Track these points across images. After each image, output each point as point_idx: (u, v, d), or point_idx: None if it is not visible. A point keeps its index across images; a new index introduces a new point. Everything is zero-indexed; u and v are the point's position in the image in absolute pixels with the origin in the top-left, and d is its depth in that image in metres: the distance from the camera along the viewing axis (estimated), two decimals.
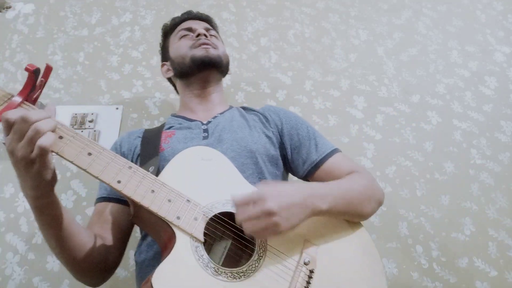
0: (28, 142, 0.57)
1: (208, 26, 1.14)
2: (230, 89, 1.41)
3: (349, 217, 0.79)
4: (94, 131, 1.28)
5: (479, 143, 1.35)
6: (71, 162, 0.63)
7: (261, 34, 1.55)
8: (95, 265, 0.77)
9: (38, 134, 0.57)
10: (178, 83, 1.13)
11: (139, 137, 0.97)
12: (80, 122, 1.29)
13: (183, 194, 0.70)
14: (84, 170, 0.64)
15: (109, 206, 0.87)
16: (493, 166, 1.31)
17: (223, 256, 0.72)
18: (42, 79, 0.67)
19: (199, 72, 1.04)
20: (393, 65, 1.50)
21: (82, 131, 1.27)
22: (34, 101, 0.68)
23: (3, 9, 1.56)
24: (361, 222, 0.81)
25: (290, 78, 1.46)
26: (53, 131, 0.60)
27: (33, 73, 0.65)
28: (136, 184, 0.67)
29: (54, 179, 0.64)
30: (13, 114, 0.58)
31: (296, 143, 0.95)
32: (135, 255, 0.87)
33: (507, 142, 1.36)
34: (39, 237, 1.13)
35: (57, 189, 1.21)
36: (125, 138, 0.98)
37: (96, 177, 0.65)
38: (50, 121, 0.59)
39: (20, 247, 1.11)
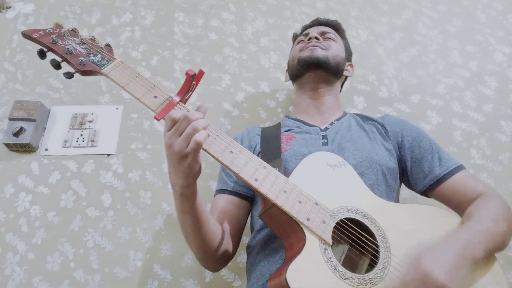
0: (186, 137, 0.66)
1: (327, 30, 1.16)
2: (230, 89, 1.41)
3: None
4: (94, 131, 1.28)
5: (479, 143, 1.35)
6: (216, 158, 0.71)
7: (261, 34, 1.55)
8: (218, 251, 0.84)
9: (195, 131, 0.65)
10: (294, 86, 1.18)
11: (258, 135, 1.01)
12: (80, 122, 1.29)
13: (312, 196, 0.73)
14: (227, 166, 0.71)
15: (230, 199, 0.94)
16: (493, 166, 1.31)
17: (341, 261, 0.73)
18: (194, 82, 0.74)
19: (306, 72, 1.07)
20: (393, 65, 1.50)
21: (82, 131, 1.28)
22: (185, 102, 0.75)
23: (3, 9, 1.56)
24: None
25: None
26: (205, 129, 0.68)
27: (191, 77, 0.71)
28: (271, 184, 0.72)
29: (199, 172, 0.72)
30: (177, 113, 0.68)
31: (418, 155, 0.94)
32: (248, 242, 0.93)
33: (507, 142, 1.36)
34: (39, 237, 1.13)
35: (57, 189, 1.22)
36: (245, 134, 1.04)
37: (237, 174, 0.71)
38: (204, 121, 0.68)
39: (20, 247, 1.11)
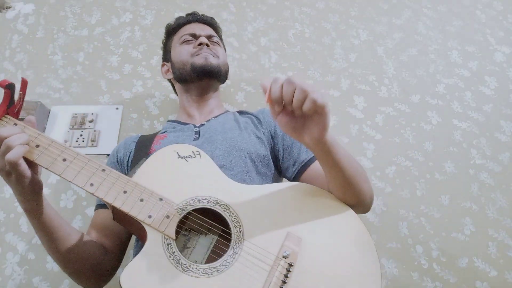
0: (1, 156, 0.63)
1: (211, 32, 1.15)
2: (230, 89, 1.41)
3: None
4: (94, 131, 1.28)
5: (479, 143, 1.35)
6: (47, 168, 0.67)
7: (261, 34, 1.55)
8: (89, 268, 0.79)
9: (8, 149, 0.62)
10: (177, 86, 1.15)
11: (134, 142, 1.00)
12: (80, 122, 1.29)
13: (156, 193, 0.71)
14: (59, 175, 0.67)
15: (105, 213, 0.90)
16: (493, 166, 1.31)
17: (208, 252, 0.72)
18: (20, 92, 0.70)
19: (199, 80, 1.06)
20: (393, 65, 1.50)
21: (82, 131, 1.27)
22: (16, 114, 0.71)
23: (3, 9, 1.56)
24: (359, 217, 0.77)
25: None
26: (28, 143, 0.65)
27: (6, 88, 0.67)
28: (109, 186, 0.69)
29: (35, 186, 0.67)
30: None
31: (288, 143, 0.95)
32: None
33: (507, 142, 1.36)
34: None
35: (57, 189, 1.21)
36: (122, 144, 1.02)
37: (70, 182, 0.67)
38: (21, 136, 0.64)
39: (20, 247, 1.11)
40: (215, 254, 0.71)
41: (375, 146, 1.33)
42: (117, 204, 0.68)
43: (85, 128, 1.28)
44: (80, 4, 1.57)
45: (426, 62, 1.52)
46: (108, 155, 1.25)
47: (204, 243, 0.73)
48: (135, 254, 0.87)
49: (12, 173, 0.63)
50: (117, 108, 1.34)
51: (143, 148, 0.95)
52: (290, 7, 1.63)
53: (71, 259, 0.76)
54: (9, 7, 1.56)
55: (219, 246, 0.72)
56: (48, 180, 1.21)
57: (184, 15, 1.21)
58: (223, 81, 1.13)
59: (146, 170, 0.75)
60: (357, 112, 1.39)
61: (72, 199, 1.18)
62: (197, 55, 1.06)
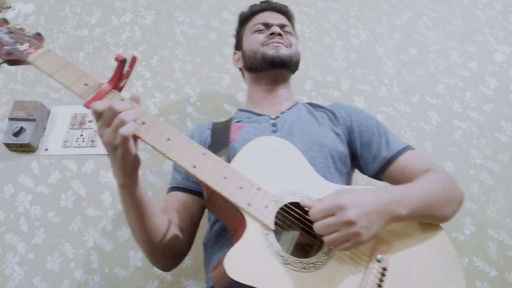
0: (113, 130, 0.64)
1: (284, 21, 1.14)
2: (231, 89, 1.41)
3: (429, 221, 0.78)
4: (94, 131, 1.28)
5: (479, 143, 1.35)
6: (152, 146, 0.68)
7: None
8: (167, 249, 0.81)
9: (122, 123, 0.64)
10: (247, 75, 1.14)
11: (209, 129, 1.00)
12: (80, 122, 1.29)
13: (254, 181, 0.71)
14: (163, 154, 0.69)
15: (180, 195, 0.92)
16: (493, 166, 1.31)
17: (291, 246, 0.72)
18: (128, 69, 0.72)
19: (269, 70, 1.05)
20: (393, 65, 1.50)
21: (82, 131, 1.28)
22: (120, 89, 0.73)
23: (3, 9, 1.56)
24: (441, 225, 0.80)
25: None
26: (135, 120, 0.66)
27: (121, 62, 0.70)
28: (210, 170, 0.69)
29: (136, 162, 0.71)
30: (101, 105, 0.65)
31: (366, 139, 0.94)
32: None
33: (507, 142, 1.36)
34: (39, 237, 1.13)
35: (57, 189, 1.21)
36: (196, 130, 1.03)
37: (174, 161, 0.69)
38: (133, 112, 0.66)
39: (20, 247, 1.11)
40: (297, 248, 0.72)
41: None
42: (218, 189, 0.68)
43: (85, 128, 1.28)
44: (80, 4, 1.57)
45: (426, 62, 1.52)
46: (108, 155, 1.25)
47: (288, 236, 0.73)
48: (207, 239, 0.88)
49: (119, 147, 0.65)
50: None
51: (220, 136, 0.95)
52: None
53: (155, 237, 0.78)
54: (9, 7, 1.56)
55: (303, 241, 0.72)
56: (48, 180, 1.21)
57: (259, 3, 1.20)
58: (293, 71, 1.10)
59: (242, 159, 0.75)
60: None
61: (72, 199, 1.18)
62: (267, 44, 1.05)
